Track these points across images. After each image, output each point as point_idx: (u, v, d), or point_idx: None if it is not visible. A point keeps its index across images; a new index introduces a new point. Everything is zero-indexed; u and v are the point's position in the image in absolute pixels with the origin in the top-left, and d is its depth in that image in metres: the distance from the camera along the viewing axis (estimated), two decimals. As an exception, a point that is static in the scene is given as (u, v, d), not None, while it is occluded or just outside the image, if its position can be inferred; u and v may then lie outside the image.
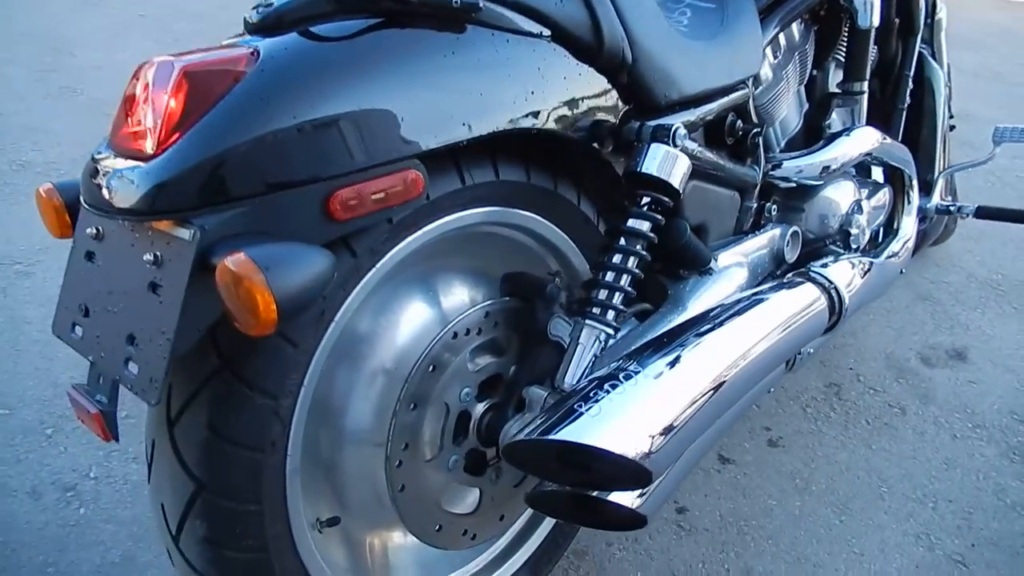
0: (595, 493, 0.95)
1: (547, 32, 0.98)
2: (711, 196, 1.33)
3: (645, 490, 0.98)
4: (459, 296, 1.09)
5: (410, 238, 0.94)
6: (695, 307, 1.24)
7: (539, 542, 1.29)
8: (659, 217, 1.05)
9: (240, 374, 0.83)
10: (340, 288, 0.88)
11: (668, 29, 1.14)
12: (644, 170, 1.05)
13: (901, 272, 1.72)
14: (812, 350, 1.47)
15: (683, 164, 1.05)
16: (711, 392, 0.96)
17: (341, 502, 1.02)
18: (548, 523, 1.30)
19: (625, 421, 0.85)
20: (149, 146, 0.75)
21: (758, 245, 1.44)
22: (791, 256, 1.50)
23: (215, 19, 3.98)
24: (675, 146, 1.06)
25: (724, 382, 0.98)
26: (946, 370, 2.15)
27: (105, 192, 0.77)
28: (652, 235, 1.05)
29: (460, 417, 1.05)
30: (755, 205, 1.47)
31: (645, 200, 1.06)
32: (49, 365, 1.69)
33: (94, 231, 0.84)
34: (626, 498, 0.97)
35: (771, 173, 1.47)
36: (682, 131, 1.07)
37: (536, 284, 1.08)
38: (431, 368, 0.99)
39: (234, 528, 0.85)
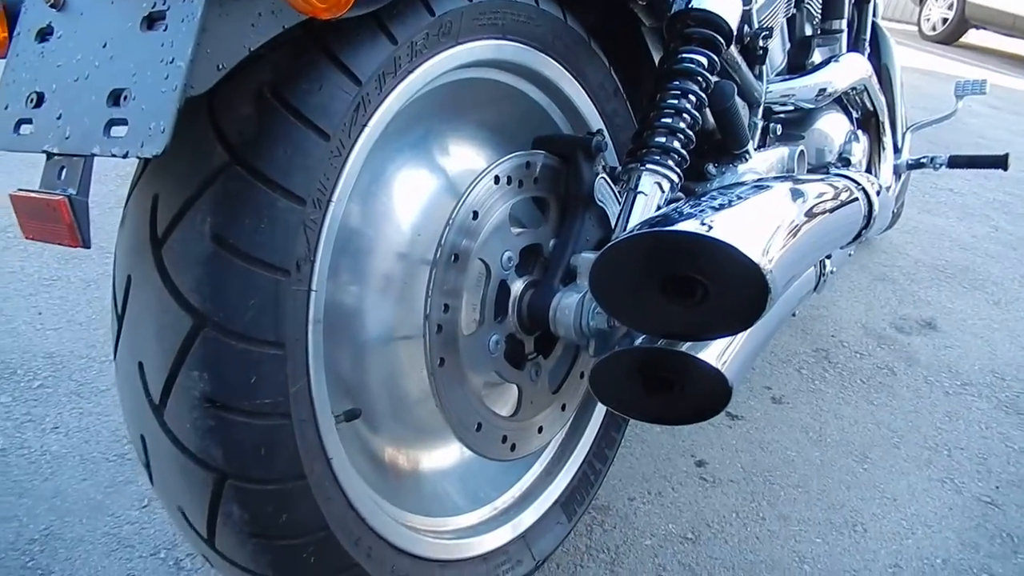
0: (684, 347, 0.78)
1: None
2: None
3: (725, 352, 0.82)
4: (495, 146, 0.92)
5: (452, 51, 0.78)
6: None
7: (568, 478, 1.09)
8: (713, 56, 0.93)
9: (257, 169, 0.63)
10: (378, 81, 0.70)
11: None
12: (694, 5, 0.93)
13: (893, 213, 1.67)
14: (835, 269, 1.37)
15: (736, 4, 0.95)
16: (801, 228, 0.82)
17: (365, 386, 0.81)
18: (577, 456, 1.11)
19: (744, 225, 0.70)
20: None
21: (770, 159, 1.35)
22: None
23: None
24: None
25: (808, 227, 0.85)
26: (921, 337, 2.11)
27: None
28: (708, 72, 0.93)
29: (500, 291, 0.87)
30: (760, 124, 1.38)
31: (696, 39, 0.94)
32: (-62, 337, 1.38)
33: (52, -4, 0.64)
34: (709, 356, 0.80)
35: (770, 94, 1.40)
36: (729, -27, 0.96)
37: (577, 140, 0.93)
38: (473, 214, 0.81)
39: (247, 378, 0.63)
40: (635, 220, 0.86)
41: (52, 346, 1.41)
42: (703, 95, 0.92)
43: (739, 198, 0.78)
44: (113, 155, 0.56)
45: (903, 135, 1.97)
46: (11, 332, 1.42)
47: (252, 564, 0.69)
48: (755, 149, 1.37)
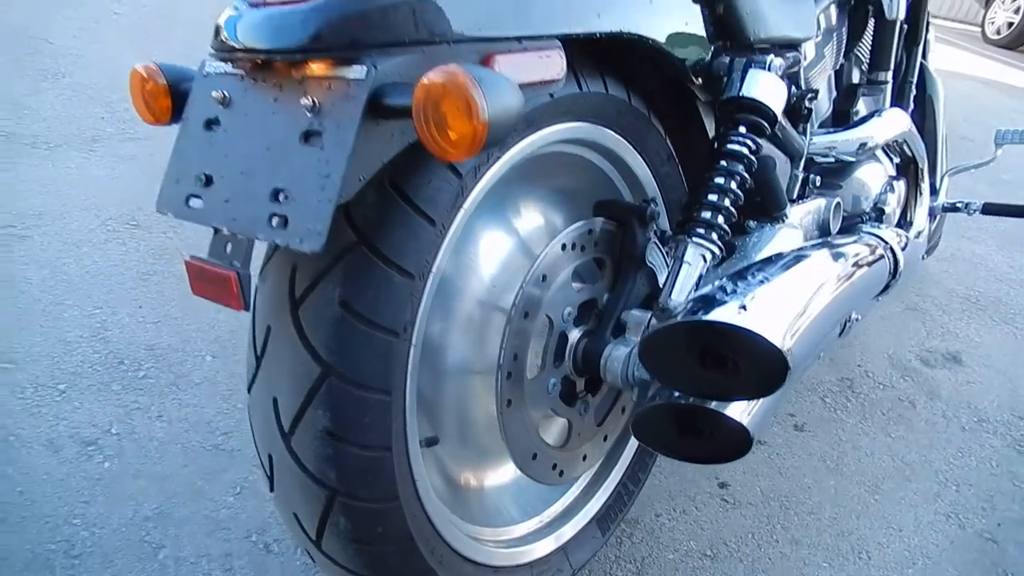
0: (712, 405, 0.92)
1: None
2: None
3: (750, 407, 0.95)
4: (562, 214, 1.07)
5: (533, 136, 0.92)
6: (764, 250, 1.24)
7: (605, 497, 1.24)
8: (759, 140, 1.06)
9: (378, 250, 0.78)
10: (474, 172, 0.84)
11: (758, -26, 1.16)
12: (744, 94, 1.05)
13: (923, 257, 1.77)
14: (860, 316, 1.48)
15: (781, 89, 1.07)
16: (824, 303, 0.95)
17: (444, 417, 0.96)
18: (614, 478, 1.26)
19: (772, 310, 0.83)
20: (315, -12, 0.71)
21: (808, 211, 1.46)
22: (835, 227, 1.53)
23: (183, 19, 3.92)
24: (771, 73, 1.07)
25: (831, 299, 0.98)
26: (945, 371, 2.21)
27: (258, 34, 0.72)
28: (753, 157, 1.05)
29: (560, 340, 1.01)
30: (801, 176, 1.50)
31: (744, 124, 1.06)
32: (55, 324, 1.57)
33: (221, 95, 0.78)
34: (735, 412, 0.94)
35: (812, 146, 1.51)
36: (777, 62, 1.08)
37: (633, 208, 1.07)
38: (543, 277, 0.96)
39: (362, 418, 0.79)
40: (679, 287, 1.00)
41: (152, 339, 1.59)
42: (747, 176, 1.05)
43: (767, 280, 0.91)
44: (275, 243, 0.71)
45: (942, 178, 2.06)
46: (117, 324, 1.61)
47: (351, 564, 0.85)
48: (794, 200, 1.49)
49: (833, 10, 1.59)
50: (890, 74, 1.74)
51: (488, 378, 0.97)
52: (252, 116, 0.76)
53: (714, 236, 1.02)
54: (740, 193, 1.04)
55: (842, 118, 1.71)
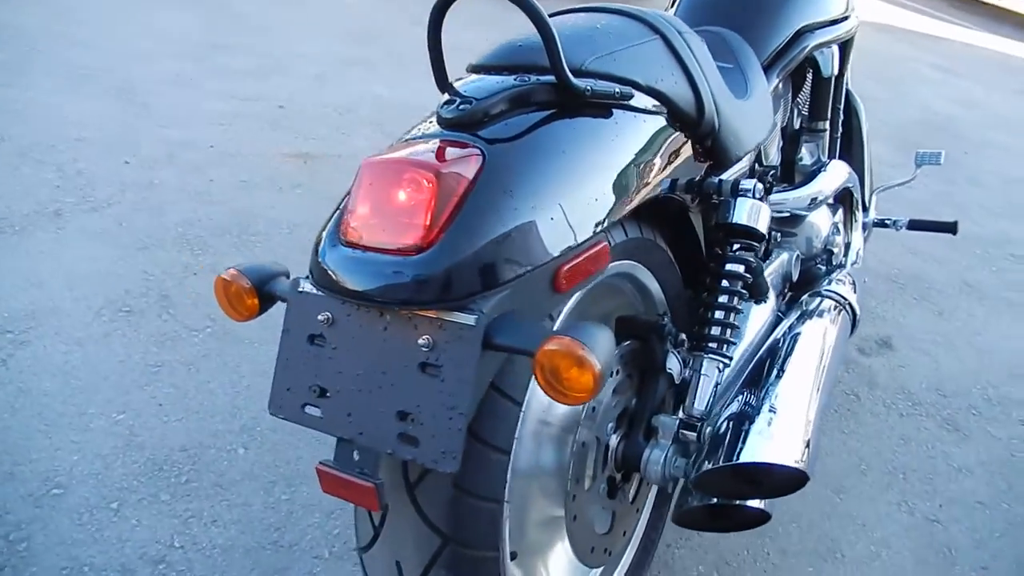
0: (736, 502, 1.12)
1: (665, 110, 1.13)
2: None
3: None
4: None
5: (576, 296, 1.07)
6: (752, 328, 1.44)
7: (634, 552, 1.44)
8: (752, 260, 1.24)
9: (479, 436, 0.92)
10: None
11: (732, 96, 1.32)
12: (735, 221, 1.23)
13: (864, 281, 2.01)
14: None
15: (766, 213, 1.24)
16: (819, 401, 1.16)
17: (522, 537, 1.13)
18: (639, 532, 1.46)
19: (788, 434, 1.03)
20: (416, 241, 0.82)
21: (775, 269, 1.67)
22: (795, 276, 1.74)
23: (105, 47, 3.79)
24: (756, 198, 1.25)
25: (824, 384, 1.20)
26: (880, 358, 2.50)
27: (361, 279, 0.82)
28: (748, 275, 1.24)
29: (604, 450, 1.19)
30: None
31: (738, 246, 1.24)
32: (85, 437, 1.63)
33: (326, 317, 0.89)
34: (755, 501, 1.14)
35: (771, 204, 1.70)
36: (760, 186, 1.26)
37: (651, 325, 1.23)
38: (592, 409, 1.12)
39: (477, 574, 0.94)
40: (700, 396, 1.19)
41: (181, 438, 1.68)
42: (745, 292, 1.23)
43: (774, 395, 1.11)
44: (411, 460, 0.84)
45: (870, 196, 2.31)
46: (145, 427, 1.68)
47: None
48: (762, 259, 1.69)
49: (780, 84, 1.76)
50: (828, 123, 1.94)
51: (547, 483, 1.14)
52: (360, 340, 0.87)
53: (724, 348, 1.21)
54: (740, 308, 1.23)
55: (787, 167, 1.92)
